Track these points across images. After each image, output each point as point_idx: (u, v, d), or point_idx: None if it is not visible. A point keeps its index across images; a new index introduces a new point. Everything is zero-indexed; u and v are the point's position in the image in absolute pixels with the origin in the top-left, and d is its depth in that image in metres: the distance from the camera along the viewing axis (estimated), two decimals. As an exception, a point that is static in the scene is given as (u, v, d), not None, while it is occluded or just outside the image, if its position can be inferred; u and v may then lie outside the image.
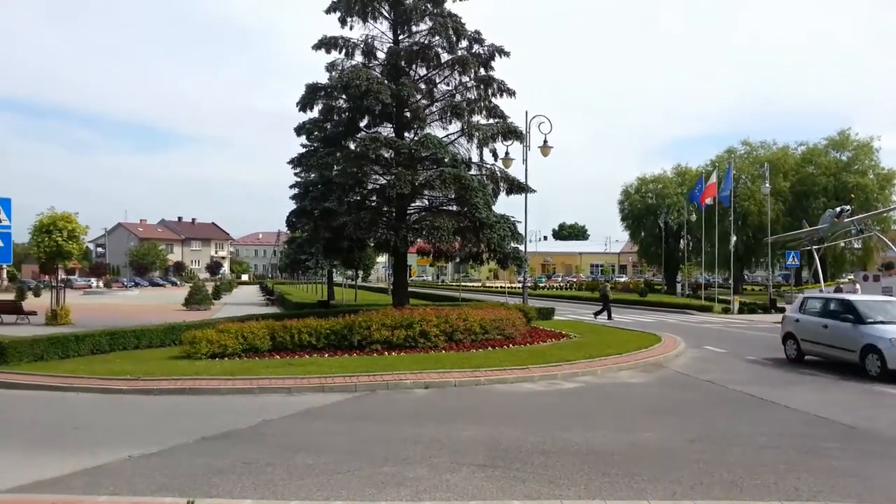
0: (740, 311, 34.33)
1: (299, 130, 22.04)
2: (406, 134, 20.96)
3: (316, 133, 22.69)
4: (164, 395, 11.53)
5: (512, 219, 21.41)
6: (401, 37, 21.07)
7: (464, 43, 20.70)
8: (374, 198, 21.54)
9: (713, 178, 37.90)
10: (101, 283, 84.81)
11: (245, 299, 53.43)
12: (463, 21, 20.32)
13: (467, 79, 20.85)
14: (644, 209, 62.94)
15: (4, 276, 78.01)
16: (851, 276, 42.54)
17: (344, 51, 20.69)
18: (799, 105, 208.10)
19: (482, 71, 20.89)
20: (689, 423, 9.55)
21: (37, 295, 51.14)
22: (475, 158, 21.78)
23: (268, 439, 8.52)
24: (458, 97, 21.02)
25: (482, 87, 20.89)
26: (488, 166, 22.16)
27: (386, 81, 19.76)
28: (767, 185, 38.79)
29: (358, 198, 21.30)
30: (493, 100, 21.05)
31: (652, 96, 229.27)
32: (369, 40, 20.88)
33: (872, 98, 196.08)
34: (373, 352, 15.58)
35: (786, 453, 7.90)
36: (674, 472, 6.98)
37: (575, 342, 18.52)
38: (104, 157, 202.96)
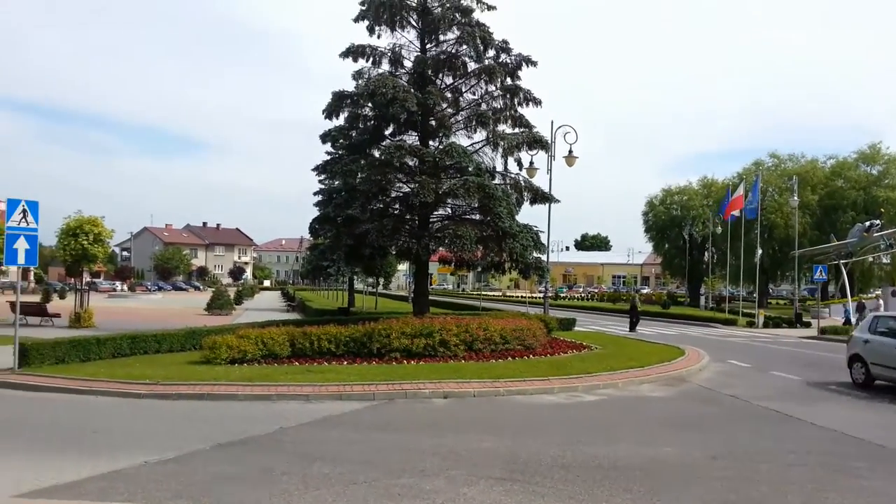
0: (765, 325, 33.85)
1: (325, 138, 22.09)
2: (431, 142, 20.89)
3: (341, 141, 22.71)
4: (182, 400, 11.51)
5: (535, 228, 21.25)
6: (428, 46, 21.04)
7: (491, 52, 20.60)
8: (397, 206, 21.48)
9: (740, 191, 37.46)
10: (125, 287, 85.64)
11: (266, 305, 53.71)
12: (491, 30, 20.23)
13: (493, 88, 20.73)
14: (668, 221, 62.43)
15: (31, 278, 79.09)
16: (878, 292, 41.80)
17: (371, 59, 20.66)
18: (828, 120, 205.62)
19: (509, 80, 20.77)
20: (712, 439, 9.34)
21: (62, 297, 51.69)
22: (499, 167, 21.65)
23: (284, 447, 8.45)
24: (483, 106, 20.92)
25: (508, 96, 20.78)
26: (512, 175, 22.03)
27: (412, 90, 19.74)
28: (796, 198, 38.31)
29: (381, 205, 21.24)
30: (519, 109, 20.93)
31: (678, 108, 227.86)
32: (396, 49, 20.86)
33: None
34: (392, 360, 15.50)
35: (813, 472, 7.68)
36: (697, 490, 6.81)
37: (596, 354, 18.31)
38: (132, 162, 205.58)
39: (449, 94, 20.91)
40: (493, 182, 20.65)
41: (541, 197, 22.17)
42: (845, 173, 53.63)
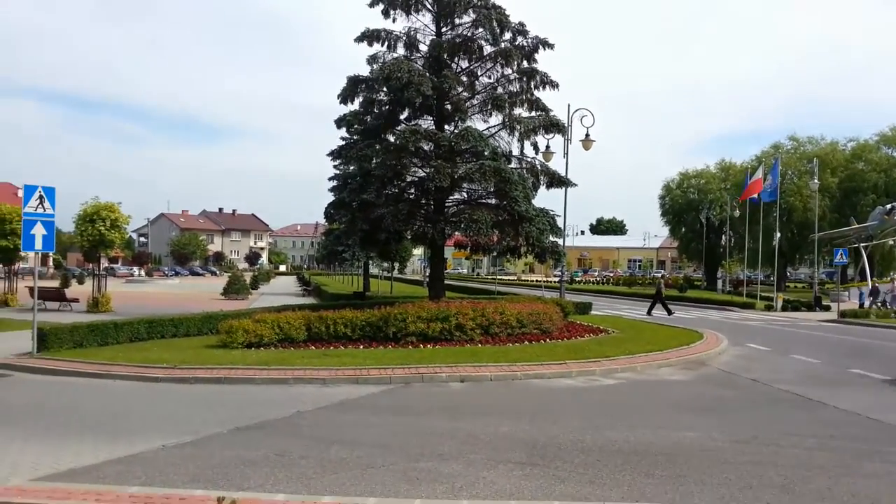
0: (783, 309, 33.50)
1: (340, 122, 22.00)
2: (446, 127, 20.74)
3: (356, 126, 22.63)
4: (199, 384, 11.52)
5: (551, 213, 21.12)
6: (443, 29, 20.81)
7: (507, 35, 20.35)
8: (412, 190, 21.37)
9: (759, 174, 36.96)
10: (142, 272, 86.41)
11: (282, 290, 53.91)
12: (507, 13, 19.98)
13: (510, 71, 20.50)
14: (685, 204, 61.99)
15: (50, 263, 79.82)
16: (895, 275, 41.29)
17: (386, 43, 20.46)
18: (848, 102, 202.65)
19: (525, 63, 20.52)
20: (733, 423, 9.20)
21: (80, 283, 52.14)
22: (515, 151, 21.48)
23: (302, 431, 8.42)
24: (499, 89, 20.70)
25: (525, 79, 20.53)
26: (528, 159, 21.85)
27: (427, 74, 19.56)
28: (816, 180, 37.76)
29: (396, 190, 21.16)
30: (536, 92, 20.70)
31: (694, 91, 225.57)
32: (412, 33, 20.65)
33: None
34: (408, 344, 15.43)
35: (838, 456, 7.54)
36: (721, 475, 6.69)
37: (613, 338, 18.17)
38: (149, 149, 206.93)
39: (464, 78, 20.73)
40: (510, 166, 20.50)
41: (557, 181, 21.99)
42: (866, 156, 52.94)
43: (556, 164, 23.26)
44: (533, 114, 20.95)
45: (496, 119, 21.05)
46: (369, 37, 20.31)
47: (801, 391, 11.63)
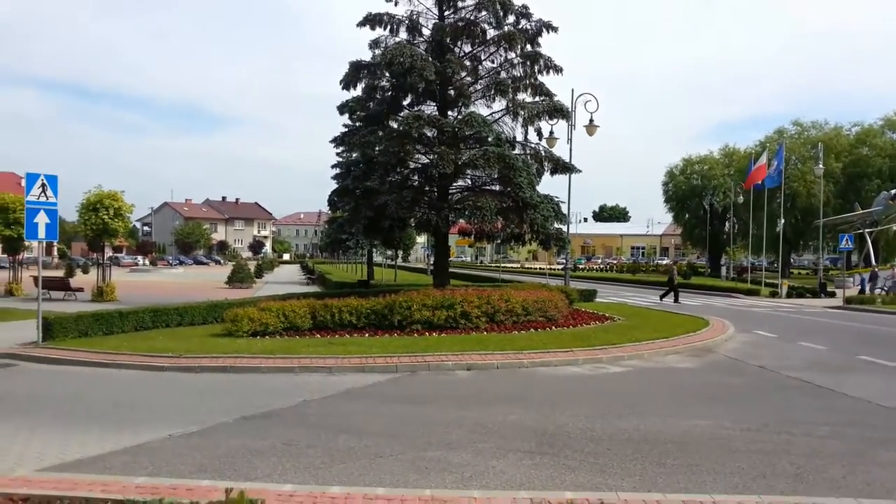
0: (789, 296, 33.37)
1: (342, 109, 21.84)
2: (450, 112, 20.56)
3: (359, 112, 22.47)
4: (205, 373, 11.48)
5: (556, 199, 20.99)
6: (446, 12, 20.59)
7: (510, 18, 20.14)
8: (415, 177, 21.25)
9: (763, 159, 36.72)
10: (147, 261, 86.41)
11: (286, 278, 53.89)
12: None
13: (513, 55, 20.28)
14: (689, 190, 61.70)
15: (55, 253, 79.89)
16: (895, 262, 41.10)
17: (388, 27, 20.26)
18: (852, 88, 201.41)
19: (529, 47, 20.30)
20: (743, 411, 9.11)
21: (85, 272, 52.18)
22: (519, 137, 21.29)
23: (308, 420, 8.36)
24: (503, 74, 20.50)
25: (528, 63, 20.32)
26: (532, 145, 21.67)
27: (430, 58, 19.39)
28: (821, 165, 37.55)
29: (399, 177, 21.04)
30: (539, 77, 20.48)
31: (697, 77, 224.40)
32: (414, 16, 20.44)
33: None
34: (413, 332, 15.37)
35: (851, 444, 7.46)
36: (733, 463, 6.62)
37: (619, 325, 18.09)
38: (151, 138, 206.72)
39: (467, 63, 20.54)
40: (514, 152, 20.34)
41: (562, 167, 21.83)
42: (870, 141, 52.55)
43: (560, 150, 23.09)
44: (537, 99, 20.77)
45: (499, 104, 20.89)
46: (372, 20, 20.12)
47: (810, 378, 11.55)
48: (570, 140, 25.18)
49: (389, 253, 48.80)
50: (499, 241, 24.44)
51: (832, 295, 32.97)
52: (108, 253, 31.69)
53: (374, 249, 42.43)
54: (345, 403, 9.40)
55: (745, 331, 18.33)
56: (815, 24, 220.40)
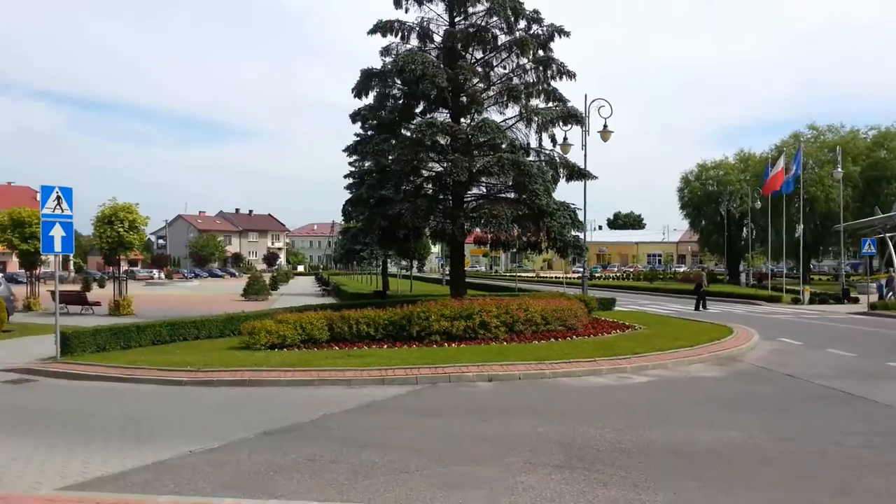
0: (811, 302, 32.93)
1: (354, 117, 21.76)
2: (462, 119, 20.46)
3: (371, 120, 22.41)
4: (224, 387, 11.35)
5: (572, 206, 20.81)
6: (457, 19, 20.53)
7: (522, 23, 20.05)
8: (430, 185, 21.16)
9: (780, 164, 36.24)
10: (162, 275, 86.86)
11: (301, 290, 53.90)
12: (521, 0, 19.67)
13: (525, 61, 20.19)
14: (704, 197, 61.26)
15: (71, 267, 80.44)
16: None
17: (399, 34, 20.22)
18: (867, 91, 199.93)
19: (541, 52, 20.20)
20: (774, 421, 8.88)
21: (101, 286, 52.41)
22: (533, 144, 21.19)
23: (330, 434, 8.19)
24: (515, 80, 20.40)
25: (541, 68, 20.21)
26: (547, 152, 21.54)
27: (442, 65, 19.31)
28: (840, 169, 37.08)
29: (414, 186, 20.95)
30: (552, 82, 20.39)
31: (711, 81, 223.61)
32: (424, 23, 20.40)
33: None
34: (432, 343, 15.20)
35: (889, 454, 7.22)
36: (770, 475, 6.40)
37: (641, 333, 17.84)
38: (164, 151, 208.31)
39: (479, 69, 20.44)
40: (528, 159, 20.19)
41: (577, 173, 21.66)
42: (888, 143, 51.94)
43: (574, 157, 22.91)
44: (550, 105, 20.63)
45: (512, 111, 20.79)
46: (382, 28, 20.07)
47: (841, 386, 11.28)
48: (584, 146, 24.99)
49: (404, 263, 48.74)
50: (514, 250, 24.23)
51: (855, 301, 32.50)
52: (124, 266, 31.74)
53: (389, 260, 42.35)
54: (366, 417, 9.24)
55: (770, 338, 18.01)
56: (821, 23, 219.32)
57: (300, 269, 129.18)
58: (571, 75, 20.38)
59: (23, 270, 30.77)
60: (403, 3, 20.25)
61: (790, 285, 38.21)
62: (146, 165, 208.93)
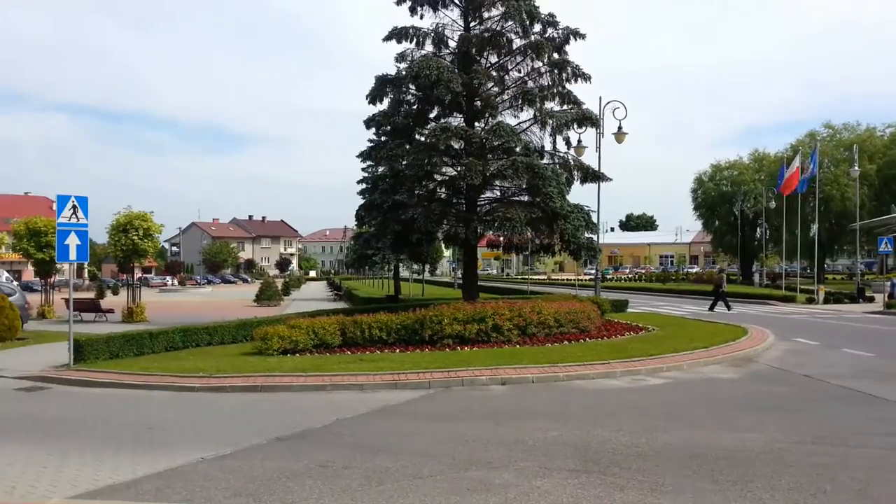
0: (826, 301, 32.61)
1: (369, 123, 21.74)
2: (476, 123, 20.41)
3: (385, 126, 22.39)
4: (236, 393, 11.31)
5: (586, 208, 20.70)
6: (472, 23, 20.49)
7: (537, 27, 19.98)
8: (443, 189, 21.12)
9: (796, 163, 35.93)
10: (175, 281, 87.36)
11: (313, 295, 54.00)
12: (536, 3, 19.61)
13: (540, 64, 20.10)
14: (718, 197, 60.90)
15: (85, 275, 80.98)
16: None
17: (414, 40, 20.20)
18: (882, 88, 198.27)
19: (556, 55, 20.11)
20: (793, 422, 8.75)
21: (115, 293, 52.71)
22: (548, 146, 21.09)
23: (343, 440, 8.14)
24: (530, 83, 20.32)
25: (556, 71, 20.11)
26: (561, 154, 21.44)
27: (456, 70, 19.28)
28: (857, 167, 36.74)
29: (427, 190, 20.92)
30: (567, 85, 20.28)
31: (724, 81, 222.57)
32: (439, 29, 20.36)
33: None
34: (445, 347, 15.12)
35: (913, 457, 7.08)
36: (790, 478, 6.28)
37: (655, 335, 17.69)
38: (178, 159, 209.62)
39: (494, 73, 20.37)
40: (542, 161, 20.11)
41: (591, 175, 21.52)
42: (905, 142, 51.48)
43: (588, 159, 22.79)
44: (565, 107, 20.54)
45: (527, 114, 20.71)
46: (397, 35, 20.08)
47: (860, 387, 11.12)
48: (598, 148, 24.85)
49: (416, 267, 48.67)
50: (527, 253, 24.15)
51: (871, 300, 32.16)
52: (138, 274, 31.89)
53: (401, 264, 42.31)
54: (379, 422, 9.17)
55: (786, 339, 17.82)
56: (840, 22, 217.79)
57: (312, 274, 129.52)
58: (586, 77, 20.28)
59: (38, 279, 30.92)
60: (419, 9, 20.24)
61: (804, 285, 37.90)
62: (161, 174, 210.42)
